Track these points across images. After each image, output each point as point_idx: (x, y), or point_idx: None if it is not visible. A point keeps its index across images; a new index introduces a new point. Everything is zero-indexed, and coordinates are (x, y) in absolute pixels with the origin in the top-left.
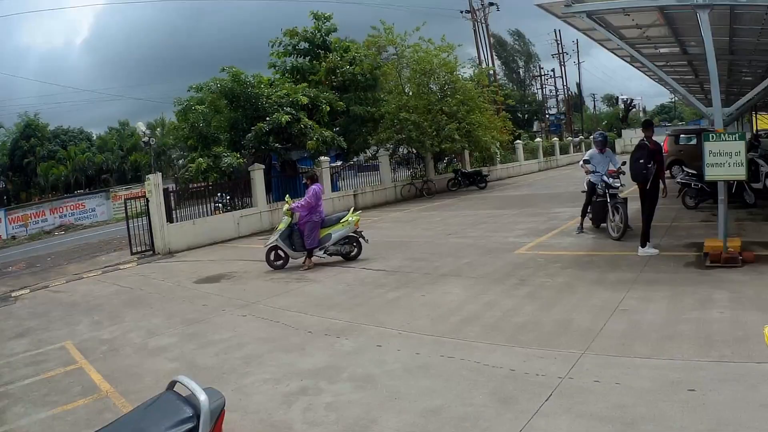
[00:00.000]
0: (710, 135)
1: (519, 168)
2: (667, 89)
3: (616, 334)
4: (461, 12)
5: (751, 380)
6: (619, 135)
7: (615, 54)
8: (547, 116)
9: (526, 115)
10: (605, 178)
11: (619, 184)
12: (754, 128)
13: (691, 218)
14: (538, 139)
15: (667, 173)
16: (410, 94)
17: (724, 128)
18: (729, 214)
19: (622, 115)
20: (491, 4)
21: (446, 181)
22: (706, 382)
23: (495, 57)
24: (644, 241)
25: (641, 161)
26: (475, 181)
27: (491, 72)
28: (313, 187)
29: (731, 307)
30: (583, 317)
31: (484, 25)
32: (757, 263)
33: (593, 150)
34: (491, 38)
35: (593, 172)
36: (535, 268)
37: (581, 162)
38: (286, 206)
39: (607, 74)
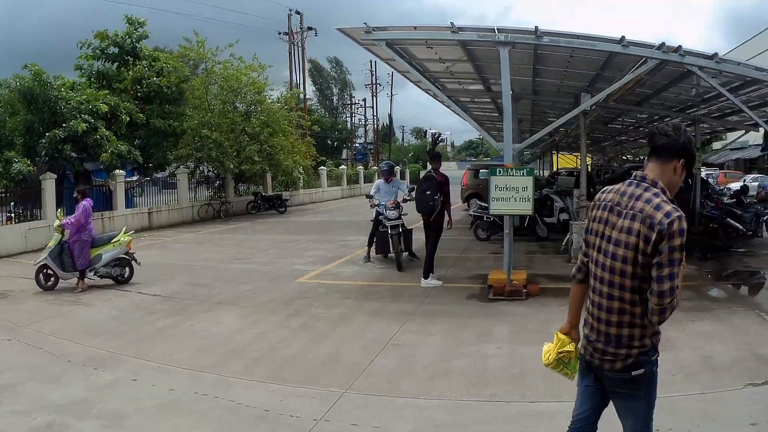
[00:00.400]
0: (497, 169)
1: (322, 194)
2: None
3: (385, 370)
4: (279, 33)
5: (523, 421)
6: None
7: (420, 87)
8: (356, 144)
9: (336, 143)
10: (382, 209)
11: (395, 216)
12: (555, 166)
13: (482, 250)
14: (343, 167)
15: (465, 206)
16: (215, 111)
17: (523, 164)
18: (521, 246)
19: (429, 148)
20: (310, 28)
21: (246, 204)
22: (473, 424)
23: (311, 82)
24: (427, 272)
25: (428, 193)
26: (275, 205)
27: (300, 95)
28: (84, 203)
29: (510, 341)
30: (353, 351)
31: (300, 48)
32: (542, 296)
33: (380, 180)
34: (309, 63)
35: (378, 204)
36: (315, 297)
37: (367, 195)
38: (57, 222)
39: (419, 108)
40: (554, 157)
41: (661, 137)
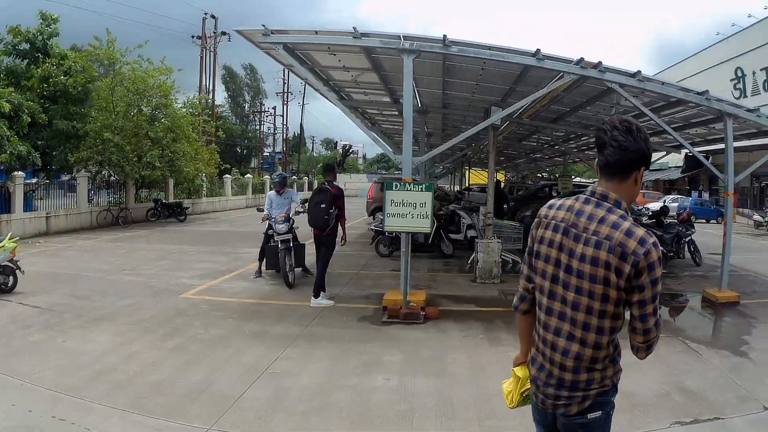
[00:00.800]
0: (393, 184)
1: (226, 203)
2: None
3: (257, 403)
4: (193, 37)
5: None
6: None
7: (323, 95)
8: (266, 153)
9: (246, 151)
10: (272, 223)
11: (285, 230)
12: (467, 182)
13: (383, 267)
14: (249, 176)
15: (371, 219)
16: (119, 113)
17: (432, 178)
18: (424, 264)
19: (339, 159)
20: (224, 33)
21: (146, 211)
22: None
23: (224, 89)
24: (318, 290)
25: (323, 206)
26: (175, 212)
27: (207, 101)
28: None
29: (401, 371)
30: (226, 380)
31: (213, 53)
32: (441, 319)
33: (272, 192)
34: (223, 69)
35: (269, 217)
36: (196, 315)
37: (258, 208)
38: None
39: (333, 119)
40: (467, 172)
41: (615, 151)
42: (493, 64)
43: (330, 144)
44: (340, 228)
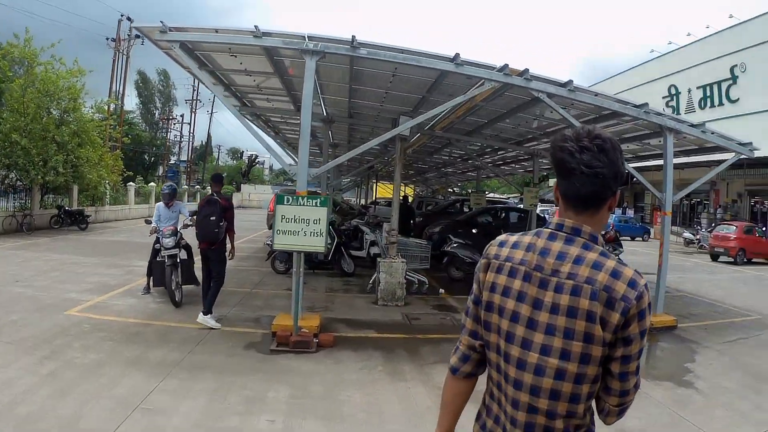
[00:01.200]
0: (285, 197)
1: (129, 211)
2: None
3: None
4: (107, 39)
5: None
6: (239, 189)
7: (220, 100)
8: (172, 162)
9: (153, 158)
10: (160, 236)
11: (171, 244)
12: (374, 195)
13: (278, 285)
14: (152, 184)
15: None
16: (29, 115)
17: (337, 191)
18: (322, 283)
19: (244, 169)
20: (138, 36)
21: (50, 218)
22: None
23: (136, 94)
24: (209, 307)
25: (212, 218)
26: (77, 220)
27: (115, 105)
28: None
29: (287, 411)
30: (95, 415)
31: (125, 57)
32: (336, 347)
33: (160, 204)
34: (137, 74)
35: (157, 231)
36: (77, 336)
37: (145, 220)
38: None
39: (241, 128)
40: (374, 186)
41: (589, 180)
42: (406, 70)
43: (236, 154)
44: (228, 242)
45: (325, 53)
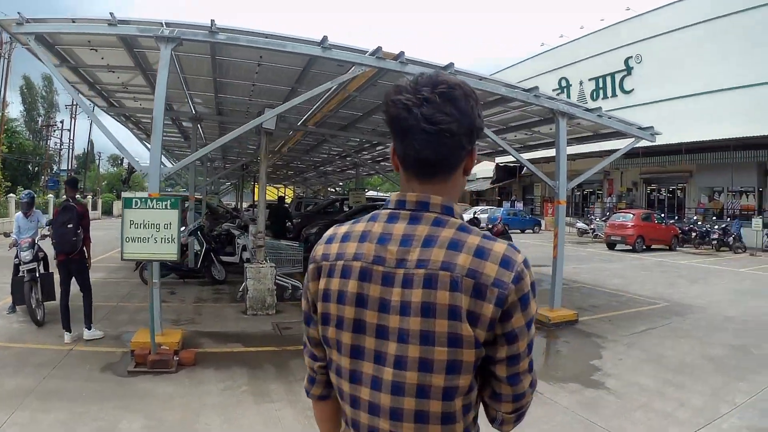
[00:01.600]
0: (133, 200)
1: (11, 225)
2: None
3: None
4: None
5: None
6: (119, 197)
7: (78, 102)
8: (56, 171)
9: (37, 168)
10: (18, 250)
11: (29, 258)
12: (253, 198)
13: (146, 297)
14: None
15: None
16: None
17: (212, 195)
18: (191, 292)
19: (124, 177)
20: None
21: None
22: None
23: (20, 101)
24: (89, 321)
25: (70, 226)
26: None
27: None
28: None
29: None
30: None
31: (6, 61)
32: (199, 366)
33: (19, 214)
34: (23, 79)
35: (16, 244)
36: None
37: (4, 234)
38: None
39: (126, 134)
40: (253, 188)
41: (433, 138)
42: (272, 58)
43: (116, 160)
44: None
45: (182, 39)
